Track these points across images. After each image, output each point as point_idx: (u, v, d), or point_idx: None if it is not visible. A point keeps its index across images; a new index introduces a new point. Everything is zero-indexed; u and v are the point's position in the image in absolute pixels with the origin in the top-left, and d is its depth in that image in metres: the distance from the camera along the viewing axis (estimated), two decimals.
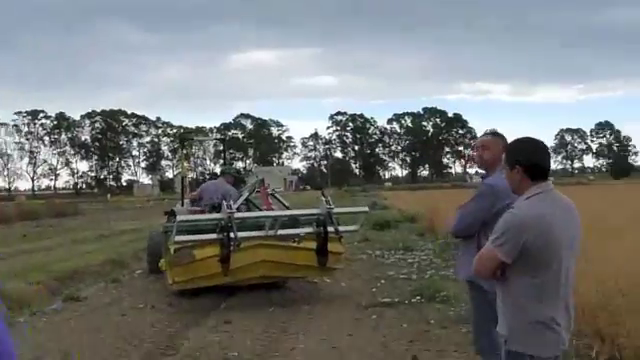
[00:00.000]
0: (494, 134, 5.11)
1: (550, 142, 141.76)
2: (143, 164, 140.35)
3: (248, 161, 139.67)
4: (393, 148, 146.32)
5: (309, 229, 9.89)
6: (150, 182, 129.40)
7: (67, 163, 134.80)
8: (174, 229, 9.37)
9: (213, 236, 9.29)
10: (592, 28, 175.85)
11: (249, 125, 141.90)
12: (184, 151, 16.55)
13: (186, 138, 13.65)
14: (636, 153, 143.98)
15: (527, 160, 3.43)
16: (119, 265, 14.75)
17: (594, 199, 20.77)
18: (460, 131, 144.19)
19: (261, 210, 11.13)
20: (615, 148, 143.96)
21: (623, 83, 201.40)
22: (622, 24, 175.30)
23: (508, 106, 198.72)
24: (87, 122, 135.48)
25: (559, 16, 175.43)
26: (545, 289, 3.35)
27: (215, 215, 9.68)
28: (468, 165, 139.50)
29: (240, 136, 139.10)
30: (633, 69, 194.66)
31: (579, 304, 5.20)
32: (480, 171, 5.41)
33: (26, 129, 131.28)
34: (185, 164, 16.60)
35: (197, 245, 9.51)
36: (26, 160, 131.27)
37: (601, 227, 9.74)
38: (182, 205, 12.77)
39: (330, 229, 9.66)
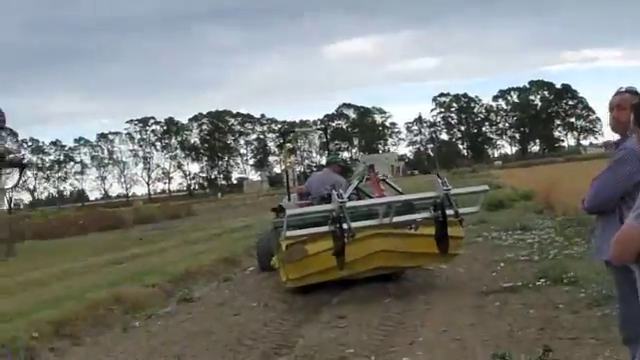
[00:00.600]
0: (632, 91, 4.34)
1: None
2: (251, 161, 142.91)
3: (354, 150, 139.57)
4: (500, 126, 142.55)
5: (426, 214, 9.18)
6: (259, 178, 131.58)
7: (179, 166, 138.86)
8: (284, 224, 8.98)
9: (325, 229, 8.80)
10: None
11: (352, 114, 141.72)
12: (287, 145, 16.54)
13: (288, 132, 13.57)
14: None
15: None
16: (231, 263, 14.77)
17: None
18: (570, 102, 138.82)
19: (373, 198, 10.38)
20: None
21: None
22: None
23: (621, 72, 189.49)
24: (195, 125, 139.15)
25: None
26: None
27: (325, 206, 9.14)
28: (581, 137, 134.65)
29: (344, 126, 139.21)
30: None
31: None
32: (613, 138, 4.72)
33: (138, 136, 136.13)
34: (290, 158, 16.54)
35: (309, 239, 9.08)
36: (140, 166, 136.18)
37: None
38: (289, 199, 12.51)
39: (449, 212, 8.90)
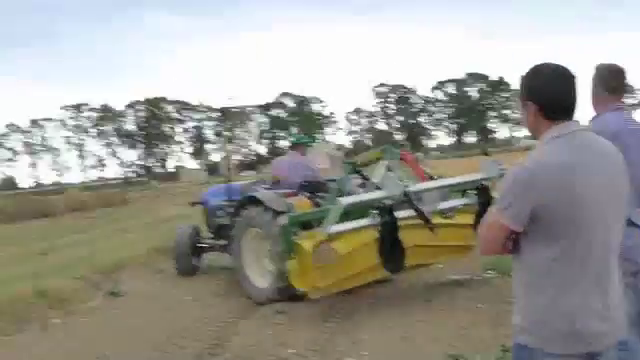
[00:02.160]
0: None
1: None
2: (189, 149, 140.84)
3: (292, 139, 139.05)
4: (437, 116, 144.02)
5: (467, 200, 7.64)
6: (197, 167, 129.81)
7: (114, 153, 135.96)
8: (329, 216, 7.11)
9: (365, 221, 7.20)
10: None
11: (291, 103, 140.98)
12: (227, 125, 15.25)
13: (228, 109, 11.71)
14: None
15: (540, 93, 2.65)
16: (164, 254, 14.02)
17: None
18: (505, 94, 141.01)
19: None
20: None
21: None
22: None
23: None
24: (131, 112, 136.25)
25: None
26: (571, 266, 2.54)
27: (380, 193, 7.34)
28: (514, 129, 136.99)
29: (283, 115, 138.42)
30: None
31: None
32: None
33: (72, 123, 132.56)
34: (228, 145, 15.52)
35: (331, 237, 7.31)
36: (74, 153, 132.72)
37: None
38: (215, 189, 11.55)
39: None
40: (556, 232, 2.53)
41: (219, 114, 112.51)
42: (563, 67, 2.68)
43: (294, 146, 10.38)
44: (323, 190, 9.19)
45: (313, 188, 9.26)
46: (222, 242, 10.18)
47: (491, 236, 2.67)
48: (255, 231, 8.68)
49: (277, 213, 8.24)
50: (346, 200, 7.21)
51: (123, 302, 9.57)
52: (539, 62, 2.73)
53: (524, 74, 2.73)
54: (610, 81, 4.05)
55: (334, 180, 9.34)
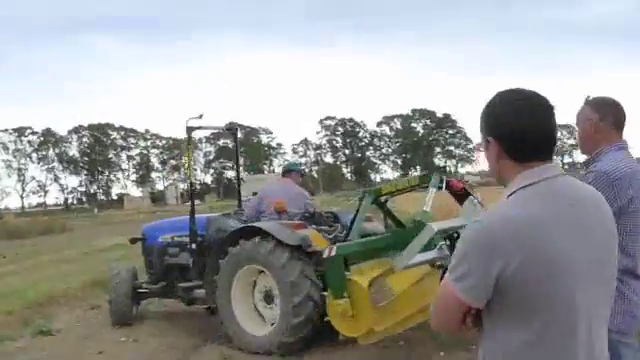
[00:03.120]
0: (590, 103, 3.60)
1: None
2: (133, 177, 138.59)
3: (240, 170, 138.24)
4: (384, 151, 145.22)
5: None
6: (141, 194, 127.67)
7: (56, 179, 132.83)
8: (413, 246, 5.86)
9: (434, 253, 6.20)
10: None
11: (238, 134, 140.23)
12: (192, 141, 10.68)
13: (194, 128, 9.83)
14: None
15: (504, 127, 2.07)
16: (101, 287, 13.25)
17: None
18: (450, 131, 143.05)
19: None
20: None
21: (608, 76, 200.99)
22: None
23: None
24: (74, 137, 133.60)
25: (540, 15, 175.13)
26: (550, 352, 1.97)
27: (462, 221, 6.31)
28: (459, 165, 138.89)
29: (230, 145, 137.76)
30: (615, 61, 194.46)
31: None
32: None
33: (13, 146, 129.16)
34: (187, 167, 11.53)
35: (385, 272, 6.53)
36: (15, 178, 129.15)
37: None
38: (192, 213, 8.89)
39: None
40: (528, 309, 1.95)
41: (164, 151, 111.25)
42: (536, 94, 2.10)
43: (287, 173, 9.32)
44: (324, 222, 8.57)
45: (314, 220, 8.48)
46: (163, 285, 9.06)
47: (445, 312, 2.09)
48: (253, 269, 7.66)
49: (292, 247, 7.27)
50: (437, 225, 5.94)
51: (52, 343, 8.81)
52: (505, 88, 2.15)
53: (486, 103, 2.16)
54: (618, 114, 3.55)
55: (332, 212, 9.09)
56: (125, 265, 10.02)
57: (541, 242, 1.93)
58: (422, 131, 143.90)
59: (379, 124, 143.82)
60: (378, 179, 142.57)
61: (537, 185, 2.02)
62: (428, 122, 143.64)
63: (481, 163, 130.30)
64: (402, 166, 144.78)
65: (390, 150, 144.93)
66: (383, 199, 7.95)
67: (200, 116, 8.63)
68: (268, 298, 7.67)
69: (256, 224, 7.84)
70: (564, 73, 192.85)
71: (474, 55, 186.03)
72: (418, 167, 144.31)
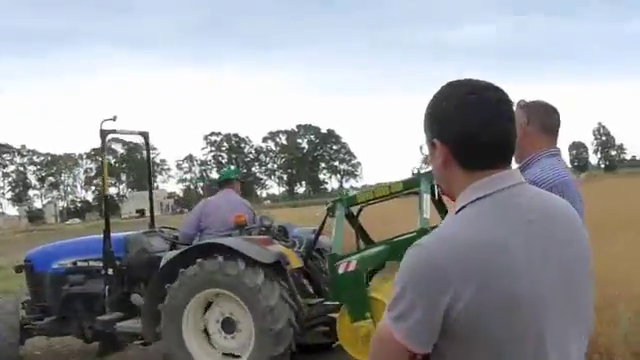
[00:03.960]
0: (521, 105, 3.25)
1: (420, 153, 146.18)
2: (8, 195, 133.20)
3: (121, 186, 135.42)
4: (269, 166, 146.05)
5: None
6: (17, 213, 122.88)
7: None
8: None
9: None
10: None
11: (120, 149, 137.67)
12: (104, 152, 8.71)
13: (107, 132, 8.51)
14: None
15: (451, 126, 1.66)
16: None
17: None
18: (334, 147, 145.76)
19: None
20: None
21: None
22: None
23: (383, 116, 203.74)
24: None
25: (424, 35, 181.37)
26: None
27: None
28: (344, 179, 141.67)
29: (112, 161, 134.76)
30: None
31: None
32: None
33: None
34: (103, 174, 8.60)
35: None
36: None
37: None
38: (108, 231, 7.60)
39: None
40: (487, 352, 1.56)
41: (43, 167, 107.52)
42: (492, 86, 1.69)
43: (227, 182, 8.02)
44: (279, 237, 7.38)
45: (271, 235, 7.30)
46: (52, 319, 7.71)
47: (385, 357, 1.66)
48: (212, 293, 6.65)
49: (266, 267, 6.41)
50: None
51: None
52: (455, 79, 1.72)
53: (432, 97, 1.74)
54: (547, 119, 3.29)
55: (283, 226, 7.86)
56: (8, 300, 8.32)
57: (495, 267, 1.54)
58: (307, 146, 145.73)
59: (264, 139, 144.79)
60: (264, 194, 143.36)
61: (490, 198, 1.62)
62: (313, 138, 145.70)
63: (364, 178, 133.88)
64: (288, 182, 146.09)
65: (275, 166, 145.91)
66: (355, 210, 7.02)
67: (114, 118, 7.58)
68: (228, 327, 6.64)
69: (218, 240, 6.82)
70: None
71: (356, 73, 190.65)
72: (304, 182, 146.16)
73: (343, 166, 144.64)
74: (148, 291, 6.91)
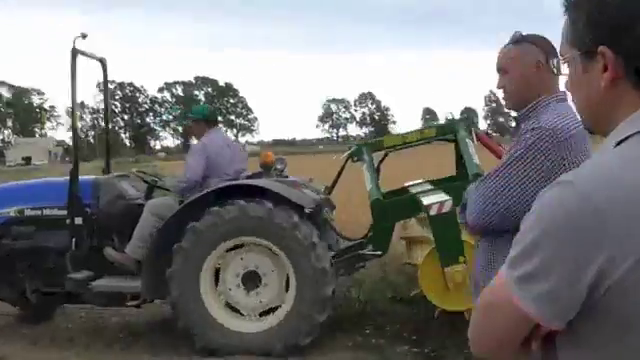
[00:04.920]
0: (517, 41, 2.67)
1: (317, 112, 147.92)
2: None
3: (7, 132, 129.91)
4: (164, 117, 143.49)
5: None
6: None
7: None
8: None
9: None
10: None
11: (6, 93, 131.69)
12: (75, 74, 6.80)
13: (79, 51, 6.99)
14: (394, 122, 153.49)
15: (628, 29, 1.22)
16: None
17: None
18: (232, 100, 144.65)
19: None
20: (376, 117, 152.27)
21: (384, 56, 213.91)
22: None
23: (282, 73, 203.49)
24: None
25: None
26: None
27: None
28: (240, 134, 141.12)
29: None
30: (395, 42, 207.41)
31: None
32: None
33: None
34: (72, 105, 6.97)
35: None
36: None
37: None
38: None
39: None
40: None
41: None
42: None
43: (215, 122, 6.82)
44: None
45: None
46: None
47: (497, 330, 1.27)
48: (245, 242, 5.90)
49: (314, 221, 5.88)
50: None
51: None
52: None
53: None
54: (557, 59, 2.57)
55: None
56: None
57: None
58: (204, 99, 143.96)
59: (160, 90, 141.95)
60: (158, 146, 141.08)
61: None
62: (210, 90, 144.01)
63: (261, 133, 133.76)
64: (182, 134, 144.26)
65: (171, 117, 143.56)
66: (381, 155, 6.67)
67: (84, 36, 6.64)
68: (250, 282, 5.94)
69: (258, 182, 6.02)
70: (338, 50, 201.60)
71: (255, 28, 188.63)
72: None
73: (240, 120, 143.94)
74: (150, 249, 5.97)
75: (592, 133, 1.40)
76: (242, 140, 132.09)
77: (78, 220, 6.25)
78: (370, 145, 6.50)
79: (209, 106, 6.55)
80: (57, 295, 6.54)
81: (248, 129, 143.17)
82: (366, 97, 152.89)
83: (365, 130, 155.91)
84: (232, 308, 5.96)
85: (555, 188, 1.19)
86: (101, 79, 7.74)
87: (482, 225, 2.54)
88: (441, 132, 6.53)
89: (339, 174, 6.62)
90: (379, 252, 6.09)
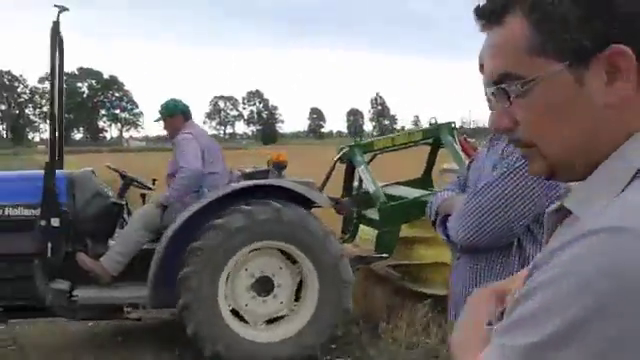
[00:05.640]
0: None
1: (204, 108, 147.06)
2: None
3: None
4: (45, 109, 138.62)
5: None
6: None
7: None
8: None
9: None
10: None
11: None
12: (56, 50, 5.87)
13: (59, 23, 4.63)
14: (282, 121, 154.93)
15: None
16: None
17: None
18: (117, 94, 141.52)
19: None
20: (264, 116, 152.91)
21: (270, 53, 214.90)
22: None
23: (170, 67, 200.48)
24: None
25: None
26: None
27: None
28: (124, 129, 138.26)
29: None
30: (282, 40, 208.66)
31: None
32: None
33: None
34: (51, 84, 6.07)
35: None
36: None
37: None
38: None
39: None
40: None
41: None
42: None
43: (190, 114, 6.19)
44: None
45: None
46: None
47: None
48: (271, 245, 5.42)
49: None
50: None
51: None
52: None
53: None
54: None
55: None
56: None
57: None
58: (87, 91, 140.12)
59: (41, 80, 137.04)
60: (37, 139, 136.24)
61: None
62: (94, 83, 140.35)
63: (146, 129, 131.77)
64: (66, 127, 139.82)
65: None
66: (368, 157, 6.66)
67: (62, 10, 5.52)
68: (261, 288, 5.46)
69: (280, 183, 5.63)
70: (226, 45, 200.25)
71: (143, 20, 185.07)
72: (81, 128, 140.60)
73: (124, 115, 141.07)
74: (158, 253, 5.26)
75: (554, 180, 0.98)
76: (126, 135, 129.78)
77: (55, 222, 5.23)
78: (362, 147, 6.53)
79: (180, 100, 5.57)
80: (26, 310, 5.44)
81: (133, 124, 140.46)
82: (254, 95, 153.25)
83: (253, 128, 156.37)
84: (236, 314, 5.45)
85: (593, 238, 0.77)
86: None
87: (475, 244, 2.18)
88: (426, 136, 6.73)
89: (329, 175, 6.64)
90: (385, 255, 6.15)
